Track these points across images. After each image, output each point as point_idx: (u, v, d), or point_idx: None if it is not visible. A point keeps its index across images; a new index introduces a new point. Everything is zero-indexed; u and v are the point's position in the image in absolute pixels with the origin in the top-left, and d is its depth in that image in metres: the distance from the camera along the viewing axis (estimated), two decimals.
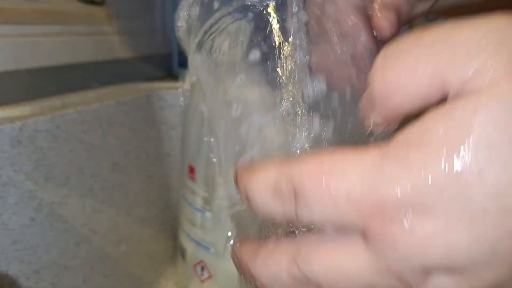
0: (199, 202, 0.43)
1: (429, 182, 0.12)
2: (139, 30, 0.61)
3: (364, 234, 0.14)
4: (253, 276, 0.17)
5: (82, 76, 0.50)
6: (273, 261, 0.16)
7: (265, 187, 0.15)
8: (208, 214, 0.43)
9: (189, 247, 0.46)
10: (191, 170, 0.43)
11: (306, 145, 0.20)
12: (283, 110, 0.20)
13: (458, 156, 0.12)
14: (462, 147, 0.12)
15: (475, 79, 0.12)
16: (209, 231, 0.43)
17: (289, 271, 0.15)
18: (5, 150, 0.34)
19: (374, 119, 0.15)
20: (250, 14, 0.20)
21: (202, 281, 0.46)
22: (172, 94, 0.55)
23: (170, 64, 0.68)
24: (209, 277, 0.45)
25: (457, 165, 0.12)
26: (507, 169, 0.12)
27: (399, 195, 0.13)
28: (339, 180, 0.14)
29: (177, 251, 0.52)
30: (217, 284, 0.45)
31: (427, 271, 0.13)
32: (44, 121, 0.37)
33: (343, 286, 0.15)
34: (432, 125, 0.13)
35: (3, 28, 0.40)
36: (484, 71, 0.12)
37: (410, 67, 0.13)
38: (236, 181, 0.17)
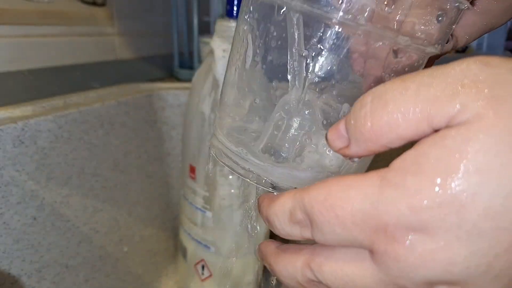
0: (199, 202, 0.43)
1: (425, 204, 0.14)
2: (140, 31, 0.61)
3: (371, 251, 0.15)
4: (274, 271, 0.19)
5: (83, 77, 0.50)
6: (291, 263, 0.18)
7: (283, 215, 0.18)
8: (208, 214, 0.43)
9: (190, 246, 0.46)
10: (192, 169, 0.43)
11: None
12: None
13: (451, 181, 0.13)
14: (454, 173, 0.13)
15: (461, 114, 0.14)
16: (210, 231, 0.43)
17: (303, 273, 0.18)
18: (7, 150, 0.34)
19: (350, 153, 0.17)
20: None
21: (203, 280, 0.46)
22: (172, 95, 0.55)
23: (171, 64, 0.68)
24: (210, 276, 0.45)
25: (450, 189, 0.13)
26: (499, 192, 0.13)
27: (398, 216, 0.14)
28: (344, 204, 0.15)
29: (177, 250, 0.52)
30: (218, 283, 0.45)
31: (429, 285, 0.14)
32: (46, 121, 0.37)
33: None
34: (425, 152, 0.14)
35: (5, 29, 0.41)
36: (468, 107, 0.13)
37: (399, 113, 0.15)
38: (259, 208, 0.20)
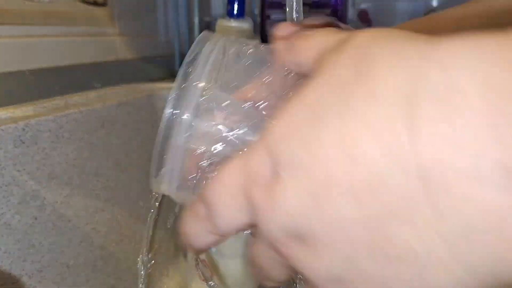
0: None
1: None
2: (141, 31, 0.61)
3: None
4: None
5: (84, 77, 0.50)
6: None
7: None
8: None
9: None
10: None
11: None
12: None
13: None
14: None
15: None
16: None
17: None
18: (8, 150, 0.34)
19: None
20: None
21: (204, 280, 0.46)
22: None
23: (172, 65, 0.68)
24: (211, 276, 0.45)
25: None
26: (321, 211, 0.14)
27: (259, 166, 0.16)
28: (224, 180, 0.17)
29: (179, 250, 0.52)
30: (219, 283, 0.45)
31: (285, 235, 0.15)
32: (47, 121, 0.37)
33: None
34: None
35: (6, 29, 0.41)
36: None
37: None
38: None
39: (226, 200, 0.17)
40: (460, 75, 0.12)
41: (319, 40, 0.17)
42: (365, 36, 0.15)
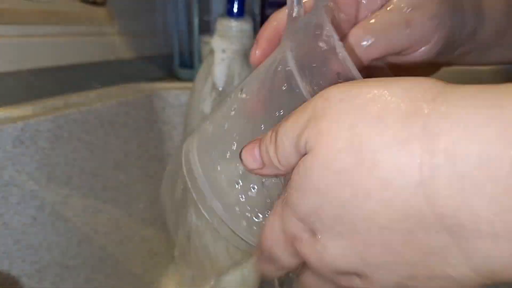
0: None
1: (300, 218, 0.18)
2: (140, 31, 0.61)
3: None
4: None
5: (83, 77, 0.50)
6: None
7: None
8: None
9: None
10: None
11: None
12: None
13: (306, 195, 0.17)
14: (303, 190, 0.17)
15: (308, 147, 0.17)
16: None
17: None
18: (7, 150, 0.34)
19: (263, 173, 0.20)
20: None
21: None
22: (173, 95, 0.55)
23: (171, 64, 0.68)
24: None
25: (307, 206, 0.17)
26: (332, 206, 0.16)
27: (294, 228, 0.18)
28: (273, 229, 0.20)
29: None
30: (218, 282, 0.45)
31: (340, 274, 0.18)
32: (46, 121, 0.37)
33: None
34: (293, 177, 0.18)
35: (4, 29, 0.41)
36: (308, 142, 0.17)
37: (286, 144, 0.18)
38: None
39: (278, 250, 0.19)
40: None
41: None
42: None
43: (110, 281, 0.46)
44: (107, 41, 0.54)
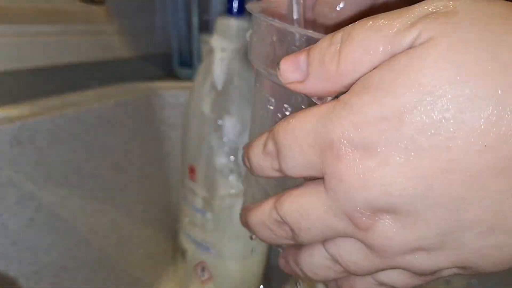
0: (199, 203, 0.43)
1: (365, 120, 0.14)
2: (139, 30, 0.61)
3: (324, 176, 0.15)
4: (249, 227, 0.20)
5: (82, 76, 0.50)
6: (261, 210, 0.18)
7: (257, 147, 0.18)
8: (208, 215, 0.42)
9: (190, 248, 0.46)
10: (192, 170, 0.43)
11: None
12: None
13: (390, 98, 0.13)
14: (393, 91, 0.13)
15: (416, 41, 0.14)
16: (210, 232, 0.43)
17: (270, 214, 0.18)
18: (4, 150, 0.34)
19: (303, 89, 0.16)
20: None
21: (203, 282, 0.45)
22: (172, 94, 0.54)
23: (170, 63, 0.67)
24: (210, 278, 0.45)
25: (390, 105, 0.13)
26: (436, 109, 0.13)
27: (342, 132, 0.14)
28: (302, 125, 0.15)
29: (177, 252, 0.52)
30: (218, 285, 0.45)
31: (373, 212, 0.14)
32: (44, 121, 0.37)
33: (306, 226, 0.16)
34: (373, 74, 0.14)
35: (2, 28, 0.40)
36: (422, 33, 0.13)
37: (363, 52, 0.14)
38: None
39: (295, 152, 0.16)
40: None
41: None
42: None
43: (108, 282, 0.45)
44: (106, 40, 0.54)
